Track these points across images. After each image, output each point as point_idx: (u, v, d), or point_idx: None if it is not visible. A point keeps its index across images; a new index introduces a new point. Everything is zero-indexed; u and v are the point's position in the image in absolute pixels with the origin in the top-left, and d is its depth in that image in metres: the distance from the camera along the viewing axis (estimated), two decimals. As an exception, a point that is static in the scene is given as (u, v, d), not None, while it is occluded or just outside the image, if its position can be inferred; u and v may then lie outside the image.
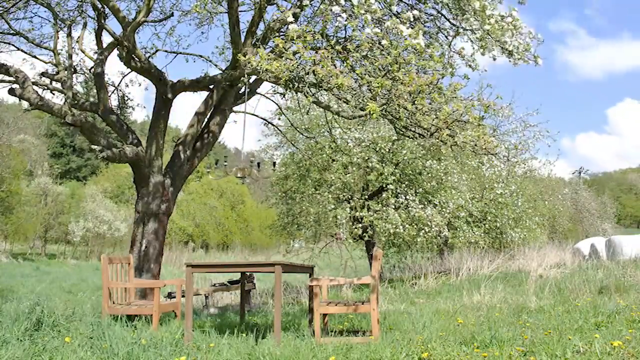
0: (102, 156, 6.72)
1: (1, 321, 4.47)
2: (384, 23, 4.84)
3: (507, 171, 15.30)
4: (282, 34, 6.77)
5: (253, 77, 7.36)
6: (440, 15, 6.30)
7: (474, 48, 5.81)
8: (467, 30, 5.74)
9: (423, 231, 12.39)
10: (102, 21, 7.36)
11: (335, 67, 4.89)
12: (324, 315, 5.29)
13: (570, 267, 12.00)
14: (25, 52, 8.59)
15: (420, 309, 6.97)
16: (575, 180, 42.75)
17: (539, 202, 18.49)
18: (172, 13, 8.20)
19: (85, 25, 8.17)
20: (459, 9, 5.64)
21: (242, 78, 6.43)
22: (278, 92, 9.03)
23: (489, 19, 5.39)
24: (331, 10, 4.96)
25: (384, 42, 4.76)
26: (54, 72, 8.03)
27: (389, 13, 5.22)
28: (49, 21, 8.36)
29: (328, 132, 11.48)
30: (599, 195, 37.54)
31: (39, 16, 8.58)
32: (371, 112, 4.57)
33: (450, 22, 6.23)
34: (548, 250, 15.23)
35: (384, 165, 12.19)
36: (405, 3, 6.23)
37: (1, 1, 7.83)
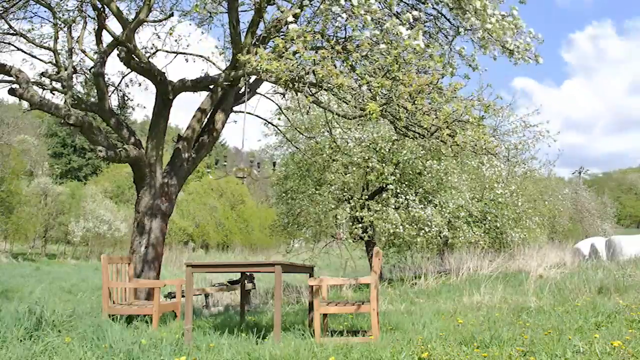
0: (102, 156, 6.72)
1: (2, 321, 4.47)
2: (384, 24, 4.84)
3: (507, 171, 15.30)
4: (282, 34, 6.77)
5: (253, 77, 7.36)
6: (440, 15, 6.30)
7: (474, 47, 5.81)
8: (468, 30, 5.74)
9: (423, 231, 12.39)
10: (102, 21, 7.36)
11: (336, 67, 4.89)
12: (324, 315, 5.29)
13: (570, 267, 12.00)
14: (25, 52, 8.60)
15: (420, 309, 6.97)
16: (575, 180, 42.75)
17: (539, 202, 18.47)
18: (172, 13, 8.20)
19: (85, 25, 8.17)
20: (459, 8, 5.64)
21: (242, 78, 6.43)
22: (278, 92, 9.04)
23: (489, 18, 5.39)
24: (331, 10, 4.96)
25: (382, 45, 4.76)
26: (54, 72, 8.03)
27: (389, 13, 5.22)
28: (49, 21, 8.36)
29: (328, 132, 11.48)
30: (599, 195, 37.53)
31: (39, 16, 8.59)
32: (371, 112, 4.57)
33: (450, 22, 6.23)
34: (548, 250, 15.22)
35: (384, 165, 12.19)
36: (406, 3, 6.23)
37: (1, 1, 7.83)
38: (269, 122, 9.99)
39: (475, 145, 5.33)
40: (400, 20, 4.91)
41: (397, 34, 4.74)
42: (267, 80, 5.67)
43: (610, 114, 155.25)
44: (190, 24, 9.34)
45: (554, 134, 14.06)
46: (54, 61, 8.16)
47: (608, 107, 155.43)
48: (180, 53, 8.97)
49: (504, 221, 14.53)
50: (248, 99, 7.85)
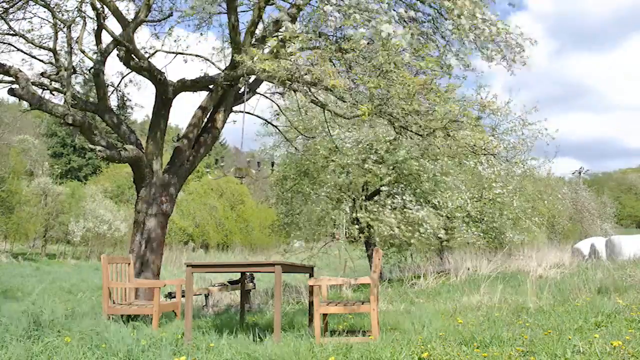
0: (102, 156, 6.72)
1: (1, 321, 4.47)
2: (374, 24, 4.82)
3: (506, 171, 15.28)
4: (280, 34, 6.77)
5: (252, 77, 7.36)
6: (439, 15, 6.29)
7: (466, 51, 5.78)
8: (463, 38, 5.73)
9: (418, 232, 12.36)
10: (102, 21, 7.36)
11: (334, 66, 4.88)
12: (324, 315, 5.29)
13: (570, 267, 12.00)
14: (25, 53, 8.59)
15: (420, 309, 6.97)
16: (575, 180, 42.73)
17: (538, 202, 18.45)
18: (172, 13, 8.21)
19: (84, 25, 8.16)
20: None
21: (241, 78, 6.44)
22: (277, 92, 9.05)
23: (480, 24, 5.37)
24: (323, 9, 4.95)
25: (377, 44, 4.75)
26: (54, 72, 8.03)
27: (382, 11, 5.20)
28: (49, 21, 8.36)
29: (326, 132, 11.49)
30: (599, 195, 37.52)
31: (39, 17, 8.58)
32: (364, 113, 4.56)
33: (444, 25, 6.22)
34: (547, 250, 15.23)
35: (380, 166, 12.19)
36: (404, 2, 6.22)
37: (1, 1, 7.82)
38: (268, 122, 10.00)
39: (475, 145, 5.33)
40: (395, 19, 4.90)
41: (385, 36, 4.72)
42: (264, 80, 5.68)
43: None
44: (189, 25, 9.34)
45: (553, 131, 14.02)
46: (53, 61, 8.16)
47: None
48: (180, 53, 8.97)
49: (502, 221, 14.52)
50: (247, 99, 7.86)
